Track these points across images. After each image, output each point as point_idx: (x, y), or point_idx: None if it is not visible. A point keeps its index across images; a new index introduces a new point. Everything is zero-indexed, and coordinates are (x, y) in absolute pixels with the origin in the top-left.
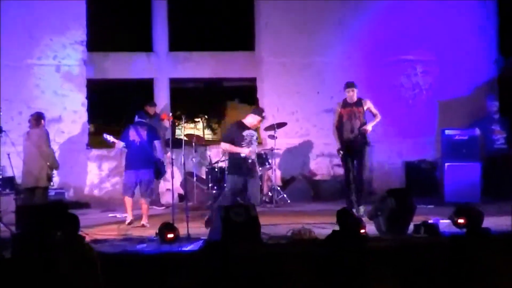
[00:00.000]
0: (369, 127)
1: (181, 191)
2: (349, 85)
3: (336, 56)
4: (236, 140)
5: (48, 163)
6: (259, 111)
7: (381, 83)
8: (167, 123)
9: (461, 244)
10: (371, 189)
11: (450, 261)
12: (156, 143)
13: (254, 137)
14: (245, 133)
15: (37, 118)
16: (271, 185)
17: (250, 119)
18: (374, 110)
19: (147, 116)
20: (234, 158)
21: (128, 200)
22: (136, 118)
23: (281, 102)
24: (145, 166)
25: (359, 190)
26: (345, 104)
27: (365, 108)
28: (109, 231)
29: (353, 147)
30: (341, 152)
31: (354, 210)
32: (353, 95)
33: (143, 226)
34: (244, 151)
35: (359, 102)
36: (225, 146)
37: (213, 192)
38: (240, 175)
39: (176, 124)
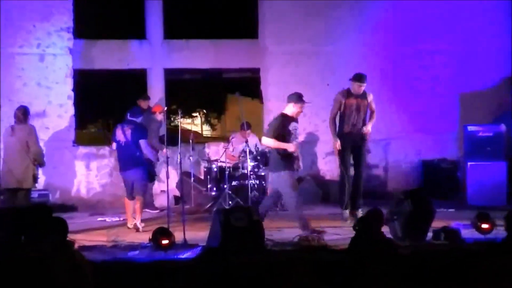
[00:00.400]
0: (369, 127)
1: (177, 193)
2: (361, 78)
3: (348, 45)
4: (282, 134)
5: (36, 162)
6: (297, 97)
7: (397, 75)
8: (159, 116)
9: (490, 252)
10: (385, 190)
11: (474, 271)
12: (141, 142)
13: (297, 129)
14: (291, 126)
15: (25, 113)
16: None
17: (292, 109)
18: (373, 106)
19: (140, 111)
20: (283, 154)
21: (127, 203)
22: (128, 116)
23: (287, 94)
24: (131, 167)
25: (357, 192)
26: (349, 94)
27: (368, 101)
28: (98, 237)
29: (353, 143)
30: (338, 147)
31: (345, 212)
32: (362, 89)
33: (136, 227)
34: (291, 147)
35: (363, 94)
36: (269, 141)
37: (212, 194)
38: (293, 170)
39: (172, 119)
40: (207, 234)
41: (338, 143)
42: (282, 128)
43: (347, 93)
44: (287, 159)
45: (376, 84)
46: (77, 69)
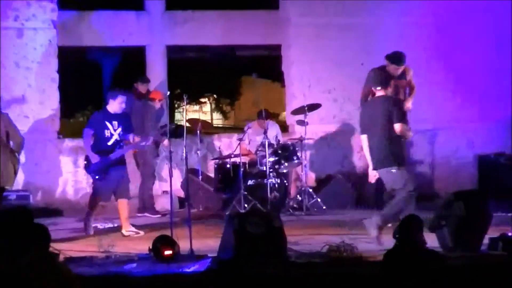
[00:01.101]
0: (409, 104)
1: (182, 194)
2: (399, 60)
3: (388, 15)
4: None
5: (16, 153)
6: (379, 78)
7: (447, 52)
8: (158, 104)
9: None
10: (432, 191)
11: None
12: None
13: None
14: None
15: None
16: (300, 187)
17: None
18: (413, 83)
19: (135, 97)
20: (398, 145)
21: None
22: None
23: (314, 76)
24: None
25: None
26: (385, 76)
27: (407, 79)
28: (88, 247)
29: None
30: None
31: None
32: (399, 71)
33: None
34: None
35: (402, 73)
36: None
37: (223, 196)
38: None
39: (176, 106)
40: (218, 243)
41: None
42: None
43: (381, 72)
44: (400, 151)
45: (421, 64)
46: (63, 46)
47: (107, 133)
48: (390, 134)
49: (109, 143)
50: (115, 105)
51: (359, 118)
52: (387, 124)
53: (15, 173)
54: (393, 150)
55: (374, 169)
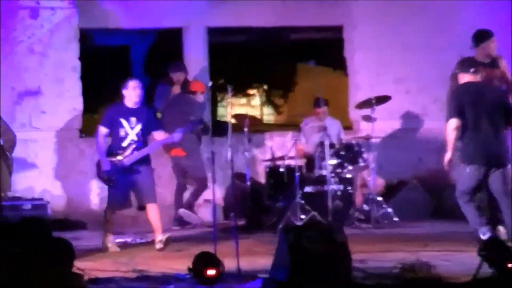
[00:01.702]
0: None
1: (227, 203)
2: (488, 33)
3: None
4: None
5: (8, 153)
6: (468, 63)
7: None
8: (200, 97)
9: None
10: None
11: None
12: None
13: None
14: None
15: None
16: (367, 194)
17: (469, 77)
18: (508, 76)
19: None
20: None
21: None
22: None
23: (382, 63)
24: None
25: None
26: (474, 63)
27: (501, 68)
28: (116, 265)
29: None
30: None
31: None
32: (493, 50)
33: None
34: None
35: (493, 61)
36: None
37: (276, 205)
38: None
39: (219, 99)
40: (270, 262)
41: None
42: None
43: (470, 62)
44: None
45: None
46: (85, 29)
47: (121, 132)
48: (500, 128)
49: (124, 144)
50: (130, 95)
51: (449, 99)
52: (501, 117)
53: (10, 175)
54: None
55: (496, 166)
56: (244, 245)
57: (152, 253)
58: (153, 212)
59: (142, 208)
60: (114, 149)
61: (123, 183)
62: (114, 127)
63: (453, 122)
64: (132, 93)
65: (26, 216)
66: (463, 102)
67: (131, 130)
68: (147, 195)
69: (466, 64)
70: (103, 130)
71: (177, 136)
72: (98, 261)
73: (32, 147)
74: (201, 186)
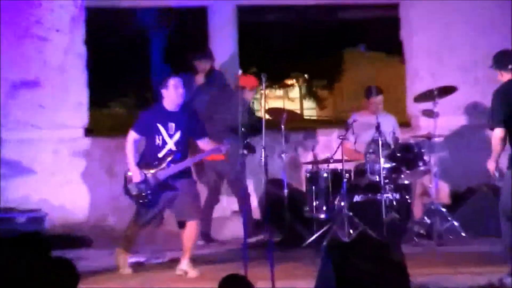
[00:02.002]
0: None
1: (260, 215)
2: None
3: None
4: None
5: None
6: (507, 57)
7: None
8: (249, 94)
9: None
10: None
11: None
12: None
13: None
14: None
15: None
16: (429, 205)
17: (509, 75)
18: None
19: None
20: None
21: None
22: None
23: (446, 47)
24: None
25: None
26: None
27: None
28: None
29: None
30: None
31: None
32: None
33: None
34: None
35: None
36: None
37: (319, 217)
38: None
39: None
40: (312, 285)
41: None
42: None
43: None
44: None
45: None
46: (93, 8)
47: (157, 140)
48: None
49: (160, 155)
50: (171, 96)
51: (492, 102)
52: None
53: None
54: None
55: None
56: (281, 266)
57: (169, 275)
58: (191, 231)
59: (182, 225)
60: (147, 159)
61: (156, 200)
62: (149, 133)
63: (499, 132)
64: (173, 93)
65: (20, 231)
66: (506, 106)
67: (169, 138)
68: (189, 211)
69: (504, 59)
70: (134, 136)
71: (224, 147)
72: (106, 285)
73: (28, 148)
74: (243, 197)
